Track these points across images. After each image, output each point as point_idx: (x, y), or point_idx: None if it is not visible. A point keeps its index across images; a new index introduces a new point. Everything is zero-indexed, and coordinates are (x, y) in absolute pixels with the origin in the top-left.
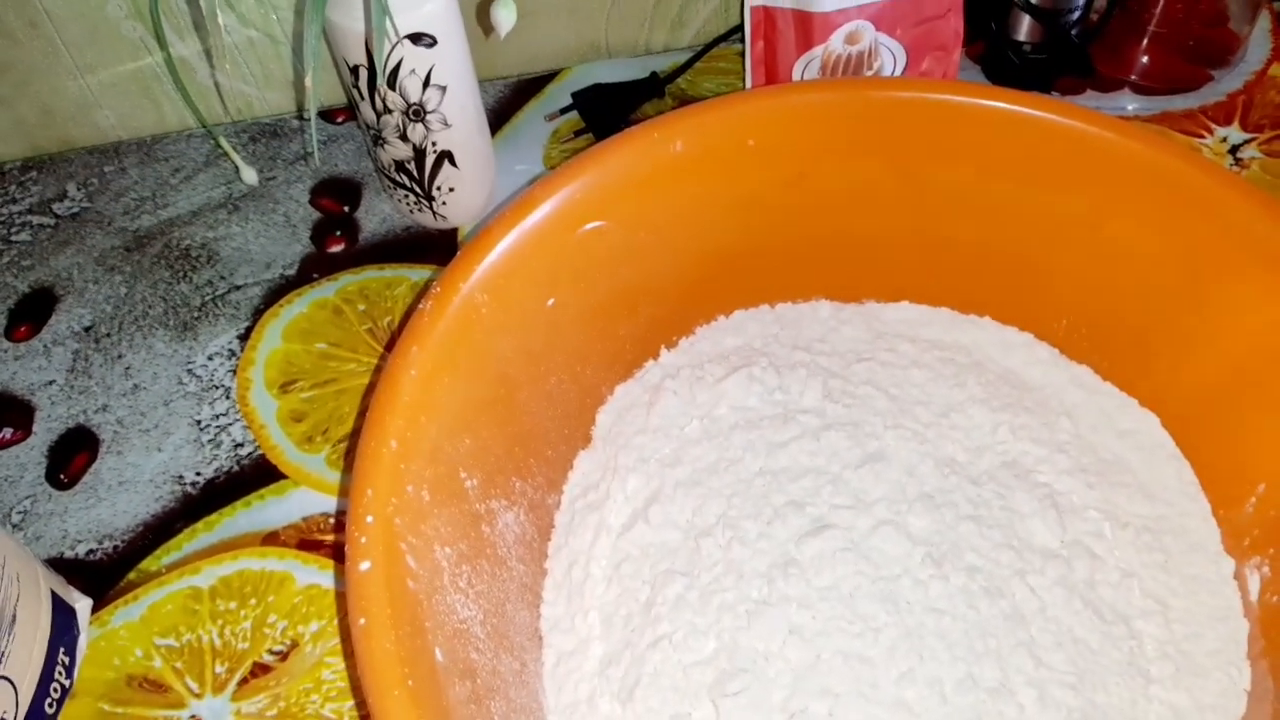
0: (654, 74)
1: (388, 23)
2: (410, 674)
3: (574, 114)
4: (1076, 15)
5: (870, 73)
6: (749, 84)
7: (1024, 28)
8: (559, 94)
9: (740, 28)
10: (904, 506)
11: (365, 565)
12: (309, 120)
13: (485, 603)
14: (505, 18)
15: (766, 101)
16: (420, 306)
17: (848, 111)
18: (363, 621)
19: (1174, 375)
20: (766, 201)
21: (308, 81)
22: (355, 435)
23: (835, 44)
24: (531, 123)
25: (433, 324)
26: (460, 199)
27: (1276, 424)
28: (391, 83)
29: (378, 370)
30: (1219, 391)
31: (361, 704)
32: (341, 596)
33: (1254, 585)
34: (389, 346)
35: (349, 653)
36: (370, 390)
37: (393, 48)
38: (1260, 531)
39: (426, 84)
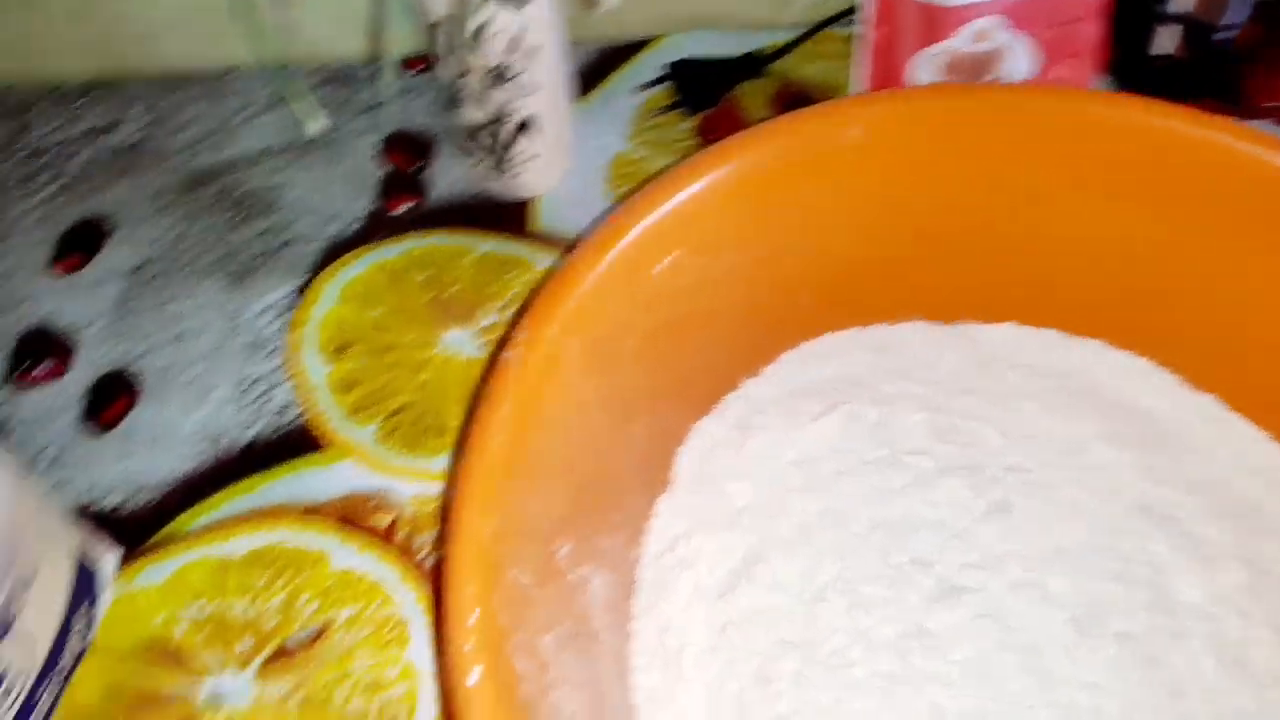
0: (752, 53)
1: None
2: None
3: (664, 87)
4: (1232, 30)
5: (994, 77)
6: (860, 74)
7: (1165, 39)
8: (647, 64)
9: (851, 10)
10: (1039, 564)
11: (474, 678)
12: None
13: (587, 693)
14: None
15: (873, 108)
16: (504, 355)
17: (956, 119)
18: None
19: None
20: (857, 216)
21: None
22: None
23: (961, 40)
24: (615, 94)
25: (522, 376)
26: (536, 170)
27: None
28: (475, 43)
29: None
30: None
31: None
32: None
33: None
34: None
35: None
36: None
37: (478, 6)
38: None
39: (513, 47)
